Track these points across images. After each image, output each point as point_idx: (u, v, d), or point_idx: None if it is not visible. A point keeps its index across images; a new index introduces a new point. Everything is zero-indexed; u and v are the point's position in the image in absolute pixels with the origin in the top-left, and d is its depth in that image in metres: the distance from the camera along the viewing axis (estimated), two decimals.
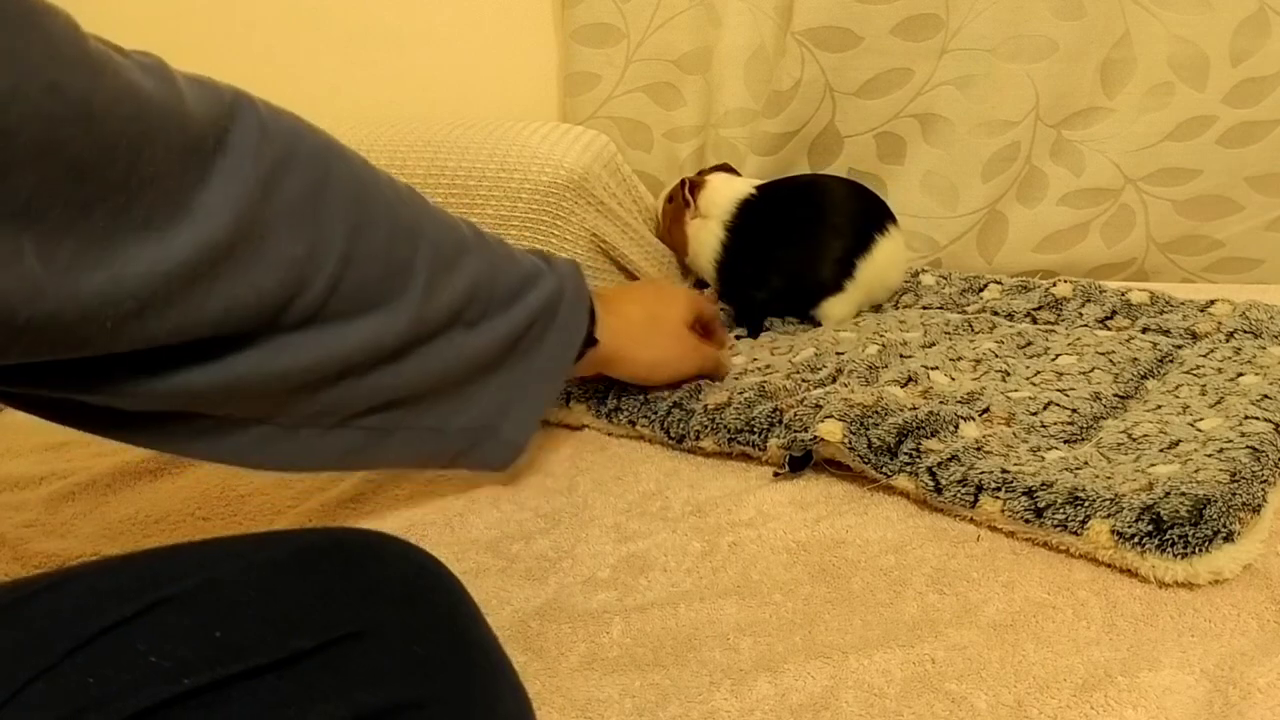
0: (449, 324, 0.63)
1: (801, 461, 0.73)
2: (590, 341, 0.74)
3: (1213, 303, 0.93)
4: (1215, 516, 0.58)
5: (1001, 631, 0.57)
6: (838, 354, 0.90)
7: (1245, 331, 0.87)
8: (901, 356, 0.87)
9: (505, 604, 0.63)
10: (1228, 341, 0.86)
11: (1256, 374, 0.79)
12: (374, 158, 1.13)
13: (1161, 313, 0.94)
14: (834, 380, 0.83)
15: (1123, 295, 0.97)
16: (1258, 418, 0.70)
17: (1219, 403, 0.74)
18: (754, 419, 0.76)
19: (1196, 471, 0.63)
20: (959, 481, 0.66)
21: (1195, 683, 0.52)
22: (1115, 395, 0.79)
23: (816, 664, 0.55)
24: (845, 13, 1.07)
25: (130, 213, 0.45)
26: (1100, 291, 0.98)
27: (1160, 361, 0.84)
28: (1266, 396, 0.73)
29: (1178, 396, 0.77)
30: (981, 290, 1.03)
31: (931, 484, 0.67)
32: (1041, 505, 0.62)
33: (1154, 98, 1.06)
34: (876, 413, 0.72)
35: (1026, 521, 0.62)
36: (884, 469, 0.69)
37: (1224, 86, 1.04)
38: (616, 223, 1.07)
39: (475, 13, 1.22)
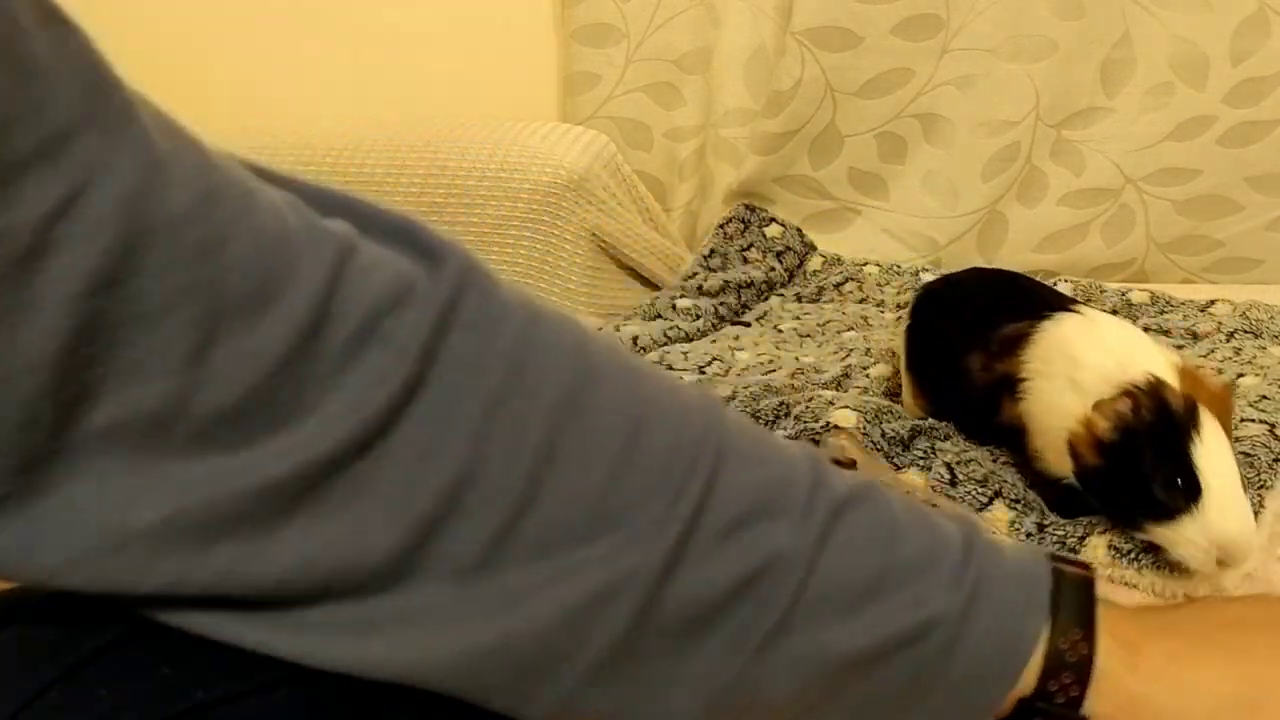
0: (698, 631, 0.37)
1: None
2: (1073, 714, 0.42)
3: (1213, 303, 0.93)
4: None
5: None
6: (843, 360, 0.89)
7: (1245, 331, 0.87)
8: None
9: None
10: (1228, 341, 0.86)
11: (1256, 374, 0.79)
12: (374, 158, 1.15)
13: (1162, 313, 0.94)
14: (838, 385, 0.83)
15: (1123, 295, 0.97)
16: (1254, 420, 0.70)
17: None
18: (760, 411, 0.75)
19: None
20: (979, 481, 0.65)
21: None
22: None
23: None
24: (845, 13, 1.07)
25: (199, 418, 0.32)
26: (1100, 291, 0.98)
27: None
28: (1265, 397, 0.74)
29: None
30: None
31: (947, 477, 0.66)
32: (1045, 523, 0.62)
33: (1154, 98, 1.06)
34: (890, 412, 0.72)
35: (1028, 536, 0.62)
36: (895, 459, 0.69)
37: (1224, 86, 1.04)
38: (618, 222, 1.07)
39: (475, 13, 1.22)
